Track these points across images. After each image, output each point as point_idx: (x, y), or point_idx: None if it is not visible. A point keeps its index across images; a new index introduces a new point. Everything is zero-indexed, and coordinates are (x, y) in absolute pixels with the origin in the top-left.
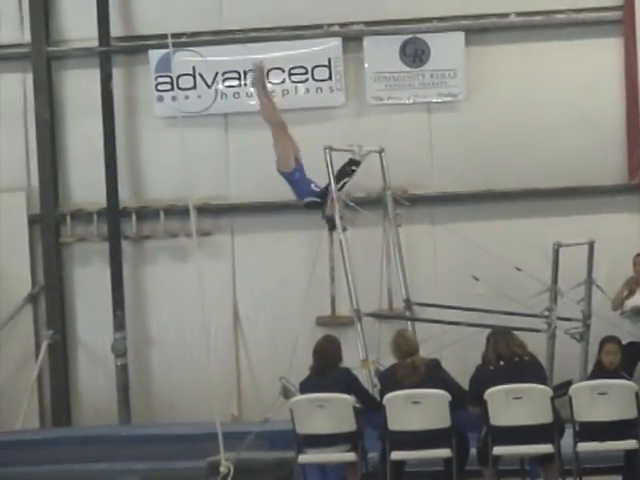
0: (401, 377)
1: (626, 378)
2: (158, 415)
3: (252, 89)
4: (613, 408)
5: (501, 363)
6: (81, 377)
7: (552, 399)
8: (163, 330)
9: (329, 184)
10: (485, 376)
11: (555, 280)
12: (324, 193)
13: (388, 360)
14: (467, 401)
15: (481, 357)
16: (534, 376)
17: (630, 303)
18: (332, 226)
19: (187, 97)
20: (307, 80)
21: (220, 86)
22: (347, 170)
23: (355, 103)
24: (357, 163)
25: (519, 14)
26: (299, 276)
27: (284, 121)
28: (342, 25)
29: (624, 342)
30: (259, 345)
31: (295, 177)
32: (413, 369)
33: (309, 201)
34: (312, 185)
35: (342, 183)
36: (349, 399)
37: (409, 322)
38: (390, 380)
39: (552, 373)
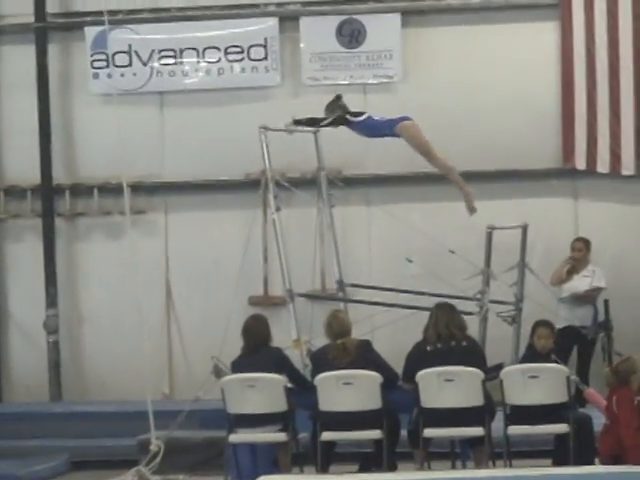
0: (332, 358)
1: (557, 362)
2: (89, 392)
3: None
4: (544, 392)
5: (438, 345)
6: (12, 354)
7: (483, 382)
8: (95, 308)
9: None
10: (421, 356)
11: (488, 263)
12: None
13: (320, 341)
14: (402, 377)
15: (423, 330)
16: (468, 361)
17: (569, 288)
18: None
19: (123, 75)
20: (243, 59)
21: (156, 64)
22: (336, 105)
23: (291, 83)
24: (340, 97)
25: None
26: (232, 255)
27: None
28: (279, 5)
29: (558, 326)
30: (191, 324)
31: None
32: (344, 350)
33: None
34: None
35: (334, 117)
36: (280, 379)
37: (342, 303)
38: (321, 361)
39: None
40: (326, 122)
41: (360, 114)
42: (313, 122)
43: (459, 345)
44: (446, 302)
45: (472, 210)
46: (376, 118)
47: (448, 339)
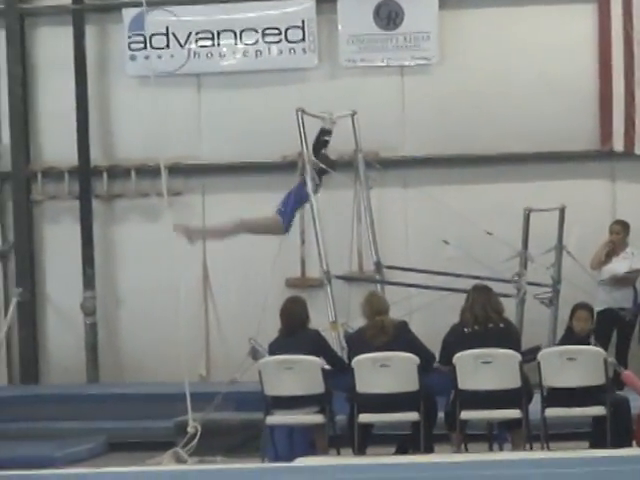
0: (370, 337)
1: (596, 345)
2: (126, 374)
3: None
4: (581, 374)
5: (475, 327)
6: (50, 335)
7: (520, 364)
8: (132, 289)
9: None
10: (458, 338)
11: (525, 245)
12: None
13: (357, 322)
14: (439, 361)
15: (460, 312)
16: (506, 343)
17: (608, 271)
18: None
19: (160, 56)
20: (280, 41)
21: (193, 46)
22: (321, 141)
23: (328, 65)
24: (329, 132)
25: None
26: (269, 238)
27: (235, 222)
28: None
29: (597, 309)
30: (228, 306)
31: (288, 213)
32: (381, 329)
33: (315, 189)
34: (293, 191)
35: (320, 154)
36: (317, 361)
37: (379, 285)
38: (358, 342)
39: (521, 338)
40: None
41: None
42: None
43: (496, 327)
44: (483, 284)
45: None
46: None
47: (485, 321)
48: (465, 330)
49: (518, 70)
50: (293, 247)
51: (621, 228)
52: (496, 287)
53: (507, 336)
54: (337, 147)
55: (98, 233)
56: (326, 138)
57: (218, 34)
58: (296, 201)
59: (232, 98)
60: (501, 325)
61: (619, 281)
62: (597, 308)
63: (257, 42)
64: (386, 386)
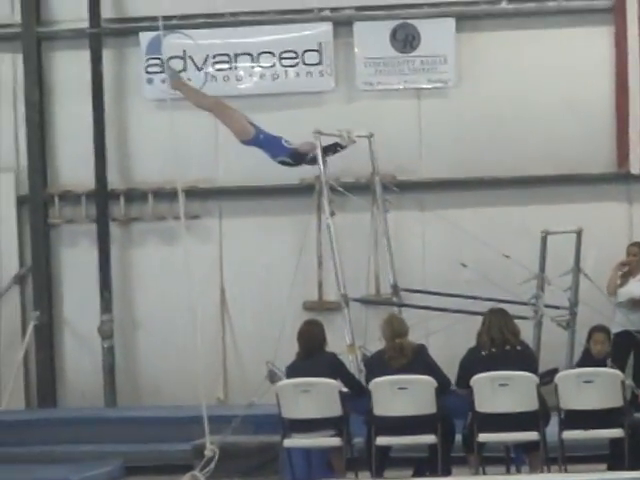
0: (388, 359)
1: (613, 367)
2: (144, 397)
3: (168, 80)
4: (599, 396)
5: (493, 350)
6: (67, 358)
7: (538, 387)
8: (150, 313)
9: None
10: (475, 361)
11: (542, 268)
12: (295, 155)
13: (375, 346)
14: (456, 384)
15: (476, 335)
16: (523, 366)
17: (625, 293)
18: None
19: None
20: (297, 64)
21: (210, 69)
22: (331, 148)
23: (345, 88)
24: (343, 147)
25: (510, 1)
26: (287, 261)
27: (215, 98)
28: (333, 10)
29: (614, 331)
30: (246, 329)
31: (261, 139)
32: (400, 351)
33: (281, 160)
34: (282, 141)
35: (325, 155)
36: (335, 384)
37: (396, 308)
38: (377, 363)
39: (538, 361)
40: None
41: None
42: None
43: (513, 350)
44: (499, 307)
45: None
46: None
47: (502, 344)
48: (482, 353)
49: (534, 93)
50: (310, 270)
51: (638, 250)
52: (513, 309)
53: (524, 358)
54: (354, 169)
55: (115, 256)
56: (338, 149)
57: (235, 57)
58: (269, 147)
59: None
60: (518, 347)
61: (636, 304)
62: (614, 330)
63: (274, 65)
64: (404, 409)
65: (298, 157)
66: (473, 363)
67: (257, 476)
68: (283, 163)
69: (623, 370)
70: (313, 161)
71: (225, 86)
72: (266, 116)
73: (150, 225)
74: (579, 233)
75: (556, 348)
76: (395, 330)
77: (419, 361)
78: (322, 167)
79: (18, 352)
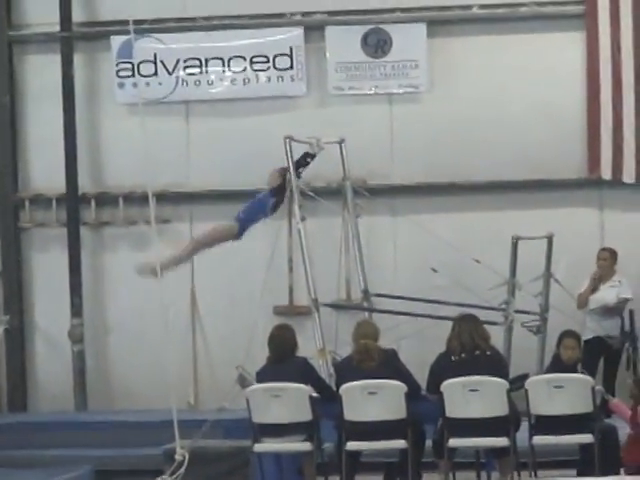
0: (357, 362)
1: (584, 373)
2: (115, 401)
3: None
4: (569, 402)
5: (462, 355)
6: (38, 362)
7: (508, 392)
8: (121, 317)
9: (284, 178)
10: (445, 366)
11: (513, 273)
12: (276, 191)
13: (345, 351)
14: (426, 389)
15: (446, 341)
16: (493, 371)
17: (597, 300)
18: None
19: (148, 84)
20: (269, 69)
21: (181, 73)
22: (302, 162)
23: (316, 93)
24: (313, 156)
25: (482, 6)
26: (257, 265)
27: (192, 240)
28: (304, 14)
29: (585, 337)
30: (216, 334)
31: (242, 219)
32: (366, 352)
33: (272, 207)
34: (259, 197)
35: (297, 172)
36: (305, 389)
37: (367, 313)
38: (347, 368)
39: (509, 366)
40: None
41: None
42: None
43: (483, 355)
44: (469, 313)
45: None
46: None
47: (472, 349)
48: (452, 358)
49: (507, 98)
50: (281, 275)
51: (608, 255)
52: (484, 315)
53: (494, 364)
54: (325, 174)
55: (86, 260)
56: (308, 160)
57: (206, 62)
58: (256, 213)
59: (220, 126)
60: (488, 353)
61: (608, 310)
62: (585, 336)
63: (245, 70)
64: (374, 414)
65: (279, 191)
66: (443, 368)
67: None
68: (276, 207)
69: (594, 376)
70: (298, 176)
71: (196, 90)
72: (237, 121)
73: (121, 229)
74: (550, 239)
75: (526, 353)
76: (361, 332)
77: (388, 365)
78: (293, 173)
79: None
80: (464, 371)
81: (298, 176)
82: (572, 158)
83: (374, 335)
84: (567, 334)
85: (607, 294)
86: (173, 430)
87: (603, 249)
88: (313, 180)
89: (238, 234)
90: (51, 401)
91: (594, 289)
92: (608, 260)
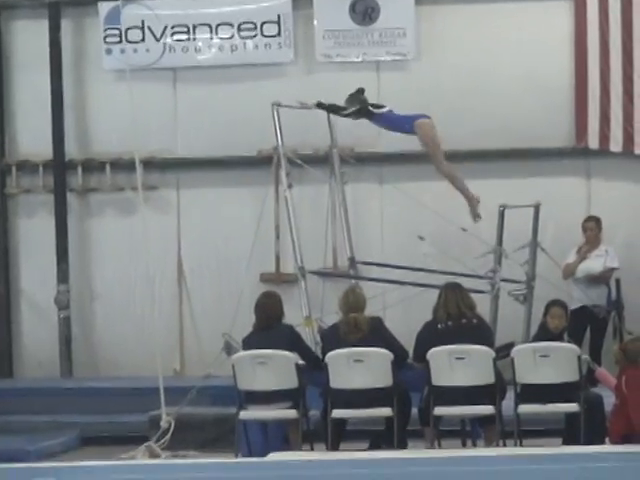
0: (344, 334)
1: (569, 342)
2: (101, 368)
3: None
4: (555, 371)
5: (449, 323)
6: (24, 329)
7: (494, 361)
8: (107, 283)
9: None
10: (431, 335)
11: (500, 242)
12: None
13: (331, 318)
14: (413, 357)
15: (432, 310)
16: (479, 339)
17: (582, 269)
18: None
19: (135, 50)
20: (256, 36)
21: (169, 40)
22: (358, 98)
23: (304, 60)
24: (362, 91)
25: None
26: (244, 232)
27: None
28: None
29: (572, 307)
30: (203, 301)
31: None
32: (355, 326)
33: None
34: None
35: (355, 108)
36: (291, 356)
37: (353, 280)
38: (332, 338)
39: (495, 335)
40: (348, 112)
41: (381, 107)
42: (335, 109)
43: (469, 323)
44: (454, 282)
45: (476, 217)
46: (396, 113)
47: (458, 317)
48: (439, 326)
49: (494, 67)
50: (268, 242)
51: (594, 224)
52: (470, 283)
53: (480, 332)
54: (312, 142)
55: (73, 227)
56: (361, 96)
57: (194, 28)
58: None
59: (208, 92)
60: (474, 321)
61: (594, 279)
62: (572, 306)
63: (233, 37)
64: (360, 382)
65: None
66: (429, 337)
67: (213, 448)
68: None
69: (580, 345)
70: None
71: (184, 57)
72: (225, 87)
73: (108, 196)
74: (537, 207)
75: (513, 322)
76: (350, 304)
77: (375, 334)
78: (280, 139)
79: None
80: (450, 339)
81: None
82: (560, 127)
83: (362, 306)
84: (554, 303)
85: (593, 263)
86: (159, 397)
87: (588, 218)
88: (300, 147)
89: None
90: (37, 368)
91: (582, 260)
92: (594, 230)
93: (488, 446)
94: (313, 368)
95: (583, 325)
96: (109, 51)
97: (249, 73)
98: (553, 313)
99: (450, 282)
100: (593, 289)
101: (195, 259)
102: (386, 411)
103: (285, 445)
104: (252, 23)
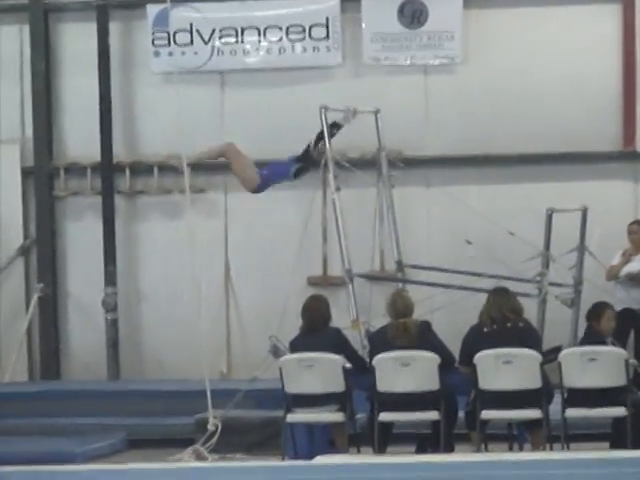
0: (392, 337)
1: (614, 345)
2: (147, 371)
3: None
4: (602, 375)
5: (494, 327)
6: (71, 331)
7: (541, 364)
8: (154, 286)
9: (309, 145)
10: (477, 338)
11: (547, 246)
12: (303, 155)
13: (379, 321)
14: (459, 361)
15: (479, 314)
16: (525, 343)
17: (625, 271)
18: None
19: (184, 53)
20: (304, 39)
21: (217, 43)
22: (329, 132)
23: (352, 63)
24: (340, 127)
25: None
26: (291, 235)
27: (227, 147)
28: None
29: (616, 309)
30: (250, 303)
31: (265, 175)
32: (405, 330)
33: (295, 171)
34: (288, 160)
35: (321, 143)
36: (338, 359)
37: (400, 284)
38: (381, 341)
39: (542, 338)
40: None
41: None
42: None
43: (515, 327)
44: (502, 286)
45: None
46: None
47: (503, 322)
48: (484, 330)
49: (542, 70)
50: (315, 245)
51: (638, 227)
52: (517, 287)
53: (526, 336)
54: (360, 145)
55: (120, 229)
56: (334, 131)
57: (242, 31)
58: (279, 174)
59: (255, 95)
60: (520, 325)
61: (634, 279)
62: (615, 308)
63: (281, 40)
64: (407, 385)
65: (306, 157)
66: (475, 340)
67: (260, 451)
68: (299, 173)
69: (624, 347)
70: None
71: (231, 60)
72: (272, 91)
73: (155, 198)
74: (584, 211)
75: (560, 326)
76: (399, 309)
77: (423, 339)
78: (328, 141)
79: (22, 324)
80: (496, 343)
81: (322, 145)
82: (607, 131)
83: (410, 311)
84: (607, 305)
85: (636, 265)
86: (206, 400)
87: (633, 222)
88: (348, 151)
89: (258, 189)
90: (84, 370)
91: (626, 263)
92: (639, 233)
93: (535, 450)
94: (360, 371)
95: (627, 327)
96: (157, 54)
97: (297, 76)
98: (609, 315)
99: (498, 286)
100: (636, 291)
101: (242, 262)
102: (433, 415)
103: (331, 448)
104: (300, 26)
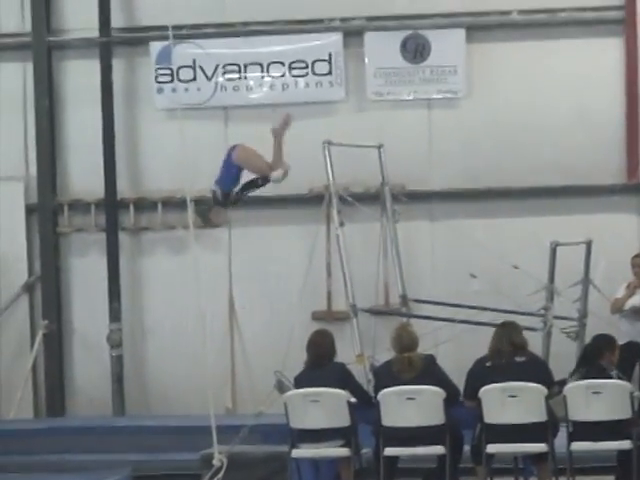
0: (397, 372)
1: (620, 378)
2: (152, 406)
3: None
4: (607, 408)
5: (499, 360)
6: (76, 367)
7: (546, 398)
8: (159, 322)
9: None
10: (481, 372)
11: (552, 279)
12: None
13: (384, 356)
14: (463, 395)
15: (488, 348)
16: (530, 377)
17: (629, 304)
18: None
19: (187, 89)
20: (307, 74)
21: (220, 79)
22: (256, 182)
23: (355, 98)
24: (261, 185)
25: (521, 12)
26: (295, 270)
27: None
28: (343, 20)
29: (620, 342)
30: (254, 338)
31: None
32: (410, 365)
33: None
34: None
35: (246, 192)
36: (343, 394)
37: (405, 318)
38: (385, 375)
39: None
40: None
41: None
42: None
43: (519, 360)
44: (509, 320)
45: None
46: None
47: (507, 355)
48: (487, 364)
49: (545, 103)
50: (319, 280)
51: None
52: (522, 320)
53: (531, 369)
54: (364, 179)
55: (125, 265)
56: (261, 182)
57: (245, 67)
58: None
59: (259, 131)
60: (524, 359)
61: (638, 312)
62: (620, 341)
63: (284, 75)
64: (412, 419)
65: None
66: (479, 374)
67: None
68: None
69: (629, 380)
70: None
71: (235, 96)
72: None
73: (159, 234)
74: (589, 244)
75: (565, 359)
76: (404, 344)
77: (428, 373)
78: (331, 176)
79: (27, 361)
80: (500, 377)
81: (241, 199)
82: (610, 164)
83: (415, 345)
84: (613, 339)
85: (638, 297)
86: (211, 435)
87: (637, 255)
88: (352, 185)
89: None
90: (89, 405)
91: (630, 295)
92: None
93: None
94: (365, 406)
95: (632, 360)
96: (160, 90)
97: (300, 111)
98: (616, 348)
99: (505, 320)
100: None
101: (246, 297)
102: (438, 449)
103: None
104: (303, 62)
